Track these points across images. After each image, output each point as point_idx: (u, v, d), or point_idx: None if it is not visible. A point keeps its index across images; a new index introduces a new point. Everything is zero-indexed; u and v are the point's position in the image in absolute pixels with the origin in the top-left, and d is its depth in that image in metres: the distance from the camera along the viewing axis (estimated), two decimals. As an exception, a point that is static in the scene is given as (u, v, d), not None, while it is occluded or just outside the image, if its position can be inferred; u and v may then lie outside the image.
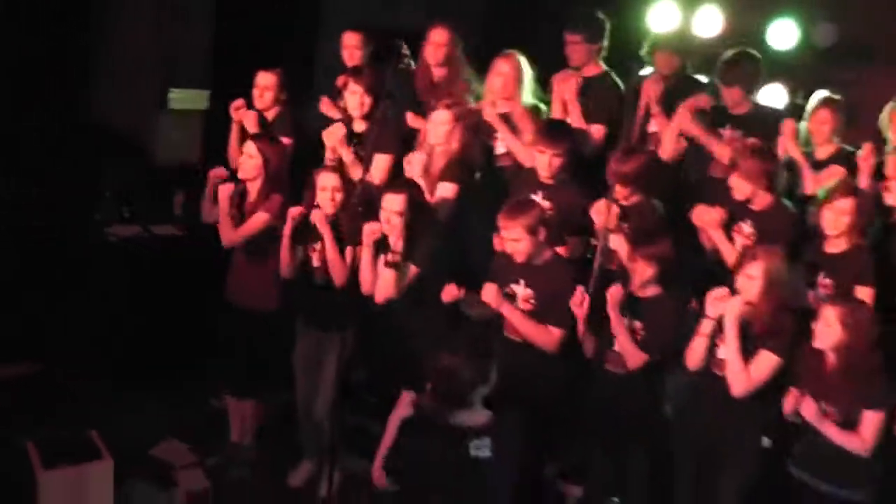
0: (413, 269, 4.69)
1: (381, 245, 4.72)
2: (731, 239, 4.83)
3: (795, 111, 5.68)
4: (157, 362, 5.95)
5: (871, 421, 4.01)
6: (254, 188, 5.09)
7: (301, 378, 5.23)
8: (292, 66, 5.76)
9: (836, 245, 4.61)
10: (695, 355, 4.35)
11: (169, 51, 6.67)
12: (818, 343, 4.05)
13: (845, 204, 4.52)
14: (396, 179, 5.08)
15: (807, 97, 5.71)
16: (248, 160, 5.03)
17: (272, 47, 6.57)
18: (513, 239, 4.48)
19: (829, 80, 5.84)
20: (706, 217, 4.83)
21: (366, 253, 4.73)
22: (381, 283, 4.73)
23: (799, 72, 6.01)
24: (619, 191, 4.81)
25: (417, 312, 4.78)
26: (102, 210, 6.25)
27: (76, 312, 5.98)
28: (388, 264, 4.66)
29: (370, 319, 4.96)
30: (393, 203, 4.63)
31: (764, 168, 4.73)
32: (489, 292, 4.45)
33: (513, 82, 5.34)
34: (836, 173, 4.96)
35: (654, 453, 4.67)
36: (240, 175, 5.09)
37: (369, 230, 4.66)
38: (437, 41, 5.52)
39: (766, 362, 4.20)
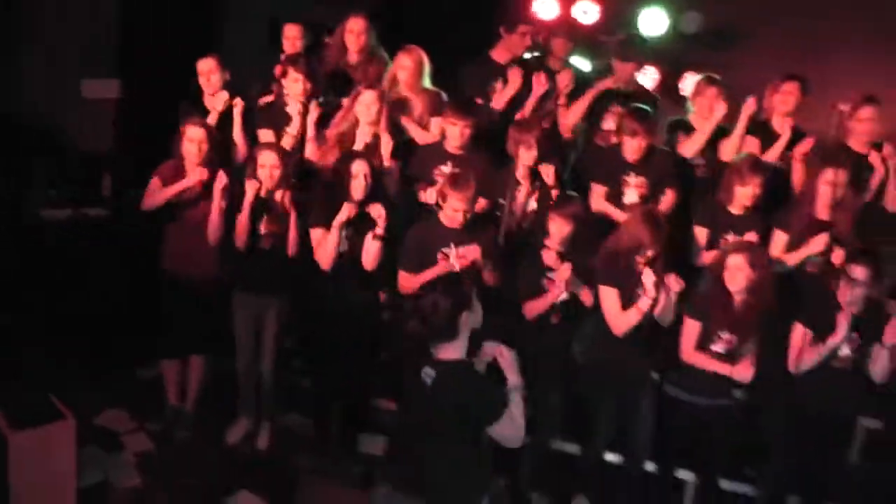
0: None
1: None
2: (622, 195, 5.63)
3: (665, 91, 6.46)
4: (92, 336, 6.19)
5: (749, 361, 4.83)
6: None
7: (243, 340, 5.58)
8: (198, 54, 6.03)
9: (738, 209, 5.41)
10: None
11: (81, 41, 6.87)
12: (731, 286, 4.77)
13: (755, 181, 5.31)
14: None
15: (676, 79, 6.52)
16: (190, 144, 5.39)
17: (178, 37, 6.88)
18: (455, 209, 5.00)
19: (696, 63, 6.65)
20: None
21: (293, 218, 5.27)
22: (367, 254, 5.19)
23: (669, 56, 6.75)
24: (526, 155, 5.47)
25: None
26: (34, 195, 6.44)
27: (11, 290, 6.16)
28: (375, 237, 5.15)
29: (305, 284, 5.43)
30: (362, 168, 5.14)
31: (647, 127, 5.48)
32: None
33: (415, 73, 5.90)
34: (753, 144, 5.81)
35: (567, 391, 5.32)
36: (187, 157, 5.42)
37: (346, 207, 5.11)
38: (356, 29, 6.04)
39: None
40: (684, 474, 5.46)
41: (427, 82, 5.97)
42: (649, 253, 4.83)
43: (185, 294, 5.52)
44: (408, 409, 3.91)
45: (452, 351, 3.70)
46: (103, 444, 5.44)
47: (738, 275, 4.80)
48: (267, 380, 5.65)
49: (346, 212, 5.07)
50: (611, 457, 5.46)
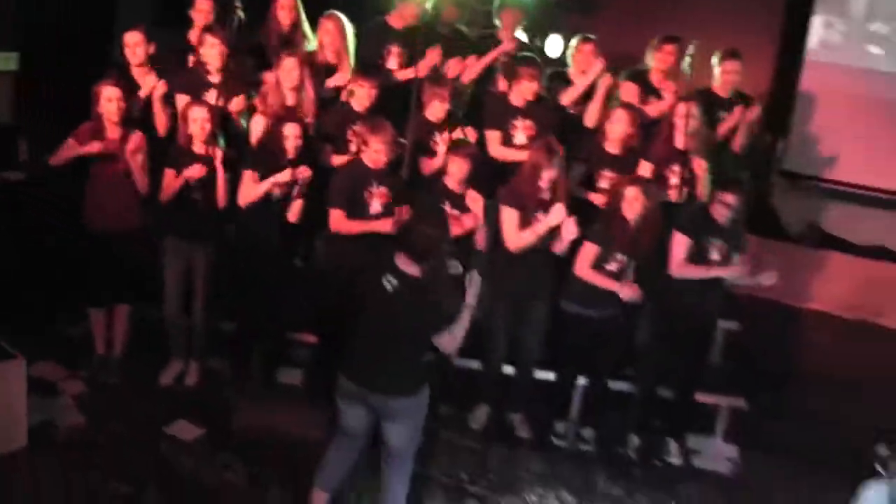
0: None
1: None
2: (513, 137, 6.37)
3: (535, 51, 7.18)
4: (16, 295, 6.44)
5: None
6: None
7: (172, 285, 6.01)
8: (95, 25, 6.31)
9: (614, 147, 6.18)
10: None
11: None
12: (628, 214, 5.55)
13: (622, 115, 6.12)
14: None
15: (543, 40, 7.30)
16: (108, 104, 5.77)
17: (76, 10, 7.18)
18: (376, 150, 5.62)
19: (562, 27, 7.44)
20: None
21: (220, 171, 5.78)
22: (292, 211, 5.79)
23: (536, 19, 7.45)
24: (436, 108, 6.16)
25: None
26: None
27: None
28: (297, 196, 5.75)
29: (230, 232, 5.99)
30: (293, 130, 5.70)
31: (534, 73, 6.25)
32: None
33: (338, 38, 6.46)
34: (630, 91, 6.56)
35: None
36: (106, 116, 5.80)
37: (220, 152, 5.72)
38: (287, 4, 6.52)
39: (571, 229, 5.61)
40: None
41: (351, 47, 6.52)
42: (545, 175, 5.54)
43: (107, 246, 5.89)
44: (365, 310, 4.46)
45: (413, 268, 4.33)
46: (41, 391, 5.72)
47: (634, 204, 5.58)
48: (198, 322, 6.10)
49: (284, 176, 5.65)
50: (509, 369, 6.17)
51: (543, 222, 5.57)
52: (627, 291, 5.63)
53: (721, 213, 5.66)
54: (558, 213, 5.55)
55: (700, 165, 6.13)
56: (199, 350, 6.21)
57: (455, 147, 5.88)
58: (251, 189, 5.69)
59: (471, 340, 5.89)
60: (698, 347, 6.13)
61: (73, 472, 5.07)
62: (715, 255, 5.74)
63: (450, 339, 4.37)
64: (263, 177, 5.67)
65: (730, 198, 5.63)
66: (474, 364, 6.23)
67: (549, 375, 6.20)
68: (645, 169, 6.17)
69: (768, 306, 8.56)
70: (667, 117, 6.28)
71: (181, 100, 6.10)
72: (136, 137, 5.81)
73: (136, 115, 6.00)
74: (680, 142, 6.16)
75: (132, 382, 6.12)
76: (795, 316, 8.86)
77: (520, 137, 6.36)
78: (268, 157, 5.73)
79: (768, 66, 8.87)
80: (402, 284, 4.31)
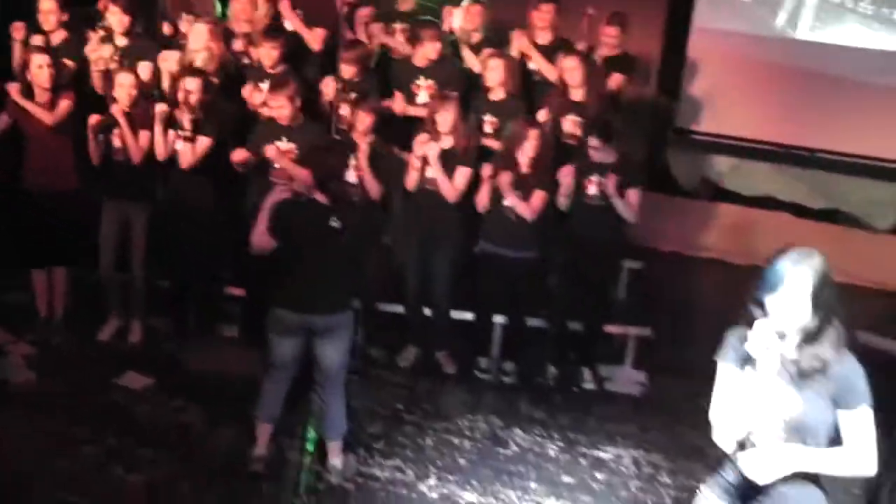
0: (206, 141, 6.11)
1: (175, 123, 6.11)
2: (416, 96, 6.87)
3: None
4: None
5: (538, 196, 6.15)
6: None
7: (109, 243, 6.33)
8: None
9: (496, 94, 6.66)
10: (412, 180, 6.21)
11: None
12: (522, 156, 6.09)
13: (498, 63, 6.61)
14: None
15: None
16: (40, 70, 6.10)
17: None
18: (280, 106, 6.03)
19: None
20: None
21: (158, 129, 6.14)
22: (182, 154, 6.14)
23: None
24: (347, 70, 6.54)
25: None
26: None
27: None
28: (185, 139, 6.09)
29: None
30: (192, 84, 6.03)
31: (435, 35, 6.79)
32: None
33: (250, 4, 6.88)
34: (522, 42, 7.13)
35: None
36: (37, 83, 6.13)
37: (160, 109, 6.07)
38: None
39: (465, 174, 6.15)
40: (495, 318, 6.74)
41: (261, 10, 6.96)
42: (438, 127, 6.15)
43: (46, 207, 6.19)
44: (296, 244, 4.89)
45: (320, 195, 4.82)
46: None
47: (527, 145, 6.10)
48: (137, 279, 6.43)
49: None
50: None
51: (420, 153, 6.15)
52: (525, 208, 6.15)
53: (594, 155, 6.24)
54: (427, 146, 6.14)
55: (587, 114, 6.68)
56: (139, 307, 6.52)
57: (357, 103, 6.35)
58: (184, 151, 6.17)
59: (394, 287, 6.53)
60: (603, 283, 6.70)
61: (32, 421, 5.38)
62: (592, 190, 6.28)
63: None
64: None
65: (595, 141, 6.22)
66: (399, 308, 6.71)
67: (468, 315, 6.70)
68: (541, 115, 6.75)
69: (669, 256, 9.26)
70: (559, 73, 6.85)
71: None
72: (66, 102, 6.14)
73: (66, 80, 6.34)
74: (576, 95, 6.73)
75: (77, 341, 6.45)
76: (693, 263, 9.53)
77: (422, 97, 6.85)
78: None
79: (658, 31, 9.48)
80: (341, 218, 4.76)
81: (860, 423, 2.96)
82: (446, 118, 6.14)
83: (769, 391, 2.93)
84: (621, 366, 6.89)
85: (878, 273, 8.81)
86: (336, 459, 5.10)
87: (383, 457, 5.40)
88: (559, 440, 5.81)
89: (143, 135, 6.14)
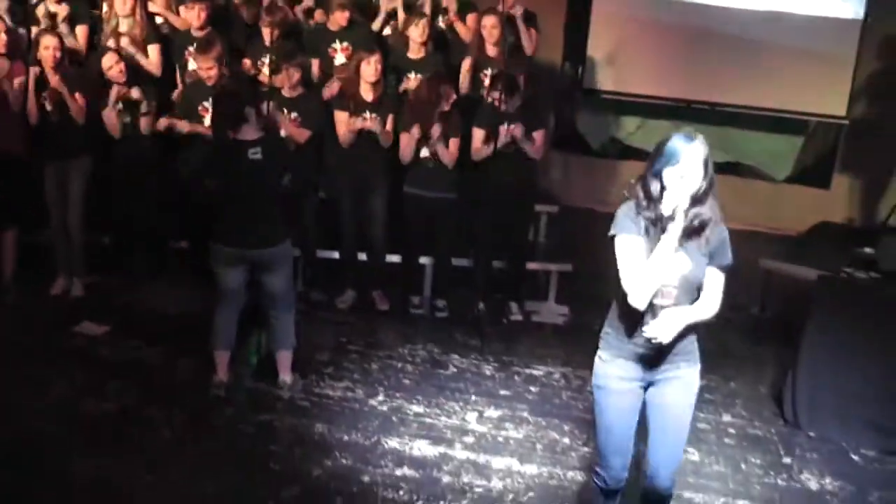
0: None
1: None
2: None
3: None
4: None
5: (454, 144, 6.70)
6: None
7: (52, 202, 6.61)
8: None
9: (417, 52, 7.17)
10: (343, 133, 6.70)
11: None
12: (438, 108, 6.63)
13: (421, 24, 7.09)
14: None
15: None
16: None
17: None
18: (207, 67, 6.43)
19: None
20: None
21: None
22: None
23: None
24: (269, 33, 6.97)
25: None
26: None
27: None
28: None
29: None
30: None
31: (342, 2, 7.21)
32: None
33: None
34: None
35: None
36: None
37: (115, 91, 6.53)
38: None
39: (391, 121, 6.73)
40: (424, 259, 7.24)
41: None
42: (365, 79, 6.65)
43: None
44: (227, 184, 5.29)
45: (253, 132, 5.22)
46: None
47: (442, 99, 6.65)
48: (75, 235, 6.69)
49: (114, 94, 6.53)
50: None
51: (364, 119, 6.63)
52: (445, 155, 6.68)
53: (502, 107, 6.73)
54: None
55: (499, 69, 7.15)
56: (78, 263, 6.80)
57: (285, 59, 6.73)
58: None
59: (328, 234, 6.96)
60: (522, 223, 7.27)
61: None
62: (502, 138, 6.78)
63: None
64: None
65: (495, 93, 6.77)
66: (335, 255, 7.16)
67: (398, 258, 7.19)
68: (463, 70, 7.29)
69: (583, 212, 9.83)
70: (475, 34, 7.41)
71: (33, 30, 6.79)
72: (17, 67, 6.42)
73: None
74: (490, 51, 7.29)
75: (29, 299, 6.71)
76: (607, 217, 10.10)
77: (339, 58, 7.29)
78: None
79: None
80: (262, 150, 5.18)
81: (721, 280, 3.58)
82: (371, 70, 6.59)
83: (670, 252, 3.41)
84: (545, 301, 7.42)
85: (776, 220, 9.51)
86: (286, 375, 5.55)
87: (333, 380, 5.83)
88: (494, 362, 6.30)
89: (79, 97, 6.46)
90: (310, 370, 5.83)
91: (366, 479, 4.71)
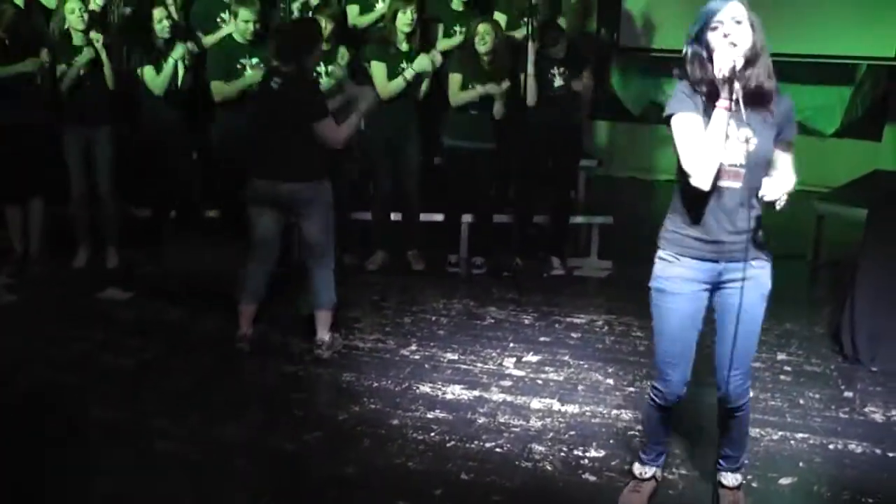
0: None
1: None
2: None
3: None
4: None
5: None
6: None
7: (75, 169, 6.44)
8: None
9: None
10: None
11: None
12: (480, 48, 6.37)
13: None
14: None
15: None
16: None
17: None
18: (245, 20, 6.15)
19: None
20: None
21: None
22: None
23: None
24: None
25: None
26: None
27: None
28: None
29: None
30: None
31: None
32: None
33: None
34: None
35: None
36: None
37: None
38: None
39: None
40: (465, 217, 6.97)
41: None
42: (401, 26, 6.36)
43: (14, 141, 6.23)
44: (257, 114, 5.09)
45: (286, 66, 4.95)
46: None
47: (486, 38, 6.36)
48: (107, 204, 6.54)
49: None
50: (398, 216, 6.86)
51: (410, 70, 6.34)
52: (495, 87, 6.41)
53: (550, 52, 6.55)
54: (421, 62, 6.34)
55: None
56: (111, 231, 6.64)
57: (319, 9, 6.55)
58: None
59: (360, 194, 6.71)
60: (565, 172, 6.97)
61: (19, 327, 5.53)
62: (557, 82, 6.57)
63: (334, 129, 4.94)
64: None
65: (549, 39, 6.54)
66: (366, 216, 6.89)
67: (438, 217, 6.91)
68: (501, 18, 6.97)
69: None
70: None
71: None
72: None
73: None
74: None
75: (55, 269, 6.55)
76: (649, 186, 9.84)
77: (380, 8, 6.97)
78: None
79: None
80: (282, 81, 4.91)
81: (791, 157, 3.25)
82: (406, 20, 6.34)
83: (732, 126, 3.06)
84: (587, 257, 7.11)
85: (826, 177, 9.08)
86: (324, 333, 5.21)
87: (364, 333, 5.58)
88: (533, 312, 6.01)
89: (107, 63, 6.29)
90: (338, 325, 5.55)
91: (395, 422, 4.43)
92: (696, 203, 3.21)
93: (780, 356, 5.35)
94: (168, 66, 6.27)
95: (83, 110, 6.34)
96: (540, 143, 6.60)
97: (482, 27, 6.39)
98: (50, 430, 4.25)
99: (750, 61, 3.07)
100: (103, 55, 6.24)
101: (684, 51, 3.19)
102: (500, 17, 6.99)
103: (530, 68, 6.42)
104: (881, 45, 8.75)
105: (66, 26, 6.26)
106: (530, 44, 6.49)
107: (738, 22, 3.05)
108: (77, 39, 6.26)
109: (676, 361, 3.44)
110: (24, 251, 6.61)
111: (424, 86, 6.53)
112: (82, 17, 6.21)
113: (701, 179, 3.10)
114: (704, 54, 3.11)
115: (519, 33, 6.84)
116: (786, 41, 9.04)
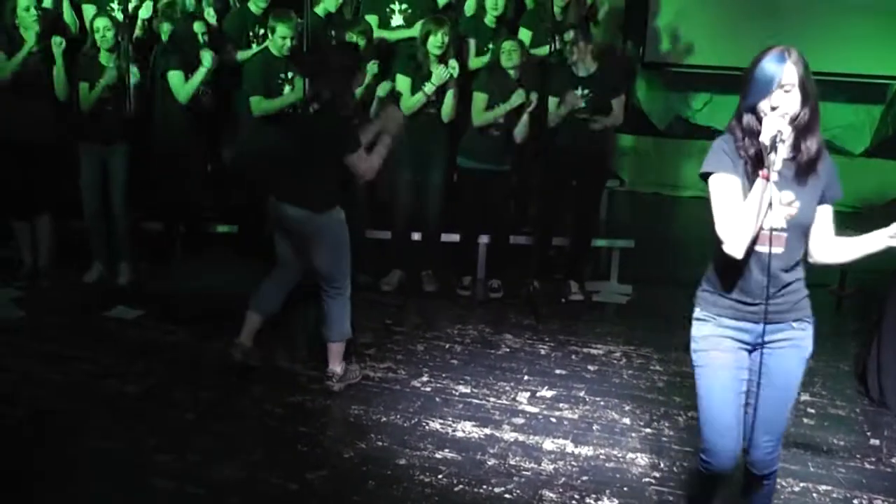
0: None
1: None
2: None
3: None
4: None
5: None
6: None
7: (90, 188, 6.34)
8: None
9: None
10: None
11: None
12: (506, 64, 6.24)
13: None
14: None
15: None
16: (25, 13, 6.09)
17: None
18: (283, 36, 6.09)
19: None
20: None
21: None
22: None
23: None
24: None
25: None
26: None
27: None
28: None
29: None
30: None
31: None
32: None
33: None
34: None
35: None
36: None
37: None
38: None
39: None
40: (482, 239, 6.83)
41: None
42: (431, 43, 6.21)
43: (24, 158, 6.17)
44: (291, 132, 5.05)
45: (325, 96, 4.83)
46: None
47: (512, 55, 6.22)
48: (120, 220, 6.43)
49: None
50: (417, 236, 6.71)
51: (429, 84, 6.21)
52: (518, 99, 6.22)
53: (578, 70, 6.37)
54: (439, 73, 6.19)
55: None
56: (124, 248, 6.53)
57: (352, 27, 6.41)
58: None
59: (379, 212, 6.57)
60: (590, 197, 6.73)
61: (24, 346, 5.43)
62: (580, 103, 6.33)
63: (364, 161, 4.81)
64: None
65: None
66: (385, 235, 6.75)
67: (454, 237, 6.75)
68: (525, 35, 6.80)
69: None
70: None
71: (87, 11, 6.47)
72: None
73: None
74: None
75: (65, 284, 6.47)
76: (672, 200, 9.64)
77: (396, 20, 6.86)
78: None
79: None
80: (318, 108, 4.79)
81: (832, 215, 3.05)
82: (437, 41, 6.19)
83: (773, 192, 2.86)
84: (607, 281, 6.94)
85: (854, 197, 8.88)
86: (336, 365, 5.03)
87: (375, 361, 5.43)
88: (550, 341, 5.84)
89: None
90: (350, 353, 5.40)
91: (402, 461, 4.28)
92: (735, 266, 3.02)
93: (804, 396, 5.15)
94: (199, 75, 6.15)
95: (102, 130, 6.24)
96: (565, 167, 6.42)
97: (507, 44, 6.25)
98: (39, 463, 4.13)
99: (802, 131, 2.90)
100: (128, 77, 6.14)
101: (736, 112, 3.00)
102: (525, 34, 6.83)
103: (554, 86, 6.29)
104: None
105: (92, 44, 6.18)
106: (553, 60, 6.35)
107: (787, 91, 2.86)
108: (104, 59, 6.16)
109: (721, 428, 3.16)
110: (34, 264, 6.52)
111: (449, 101, 6.35)
112: (106, 35, 6.10)
113: (734, 248, 2.92)
114: (755, 122, 2.90)
115: (543, 51, 6.65)
116: (814, 59, 8.83)
